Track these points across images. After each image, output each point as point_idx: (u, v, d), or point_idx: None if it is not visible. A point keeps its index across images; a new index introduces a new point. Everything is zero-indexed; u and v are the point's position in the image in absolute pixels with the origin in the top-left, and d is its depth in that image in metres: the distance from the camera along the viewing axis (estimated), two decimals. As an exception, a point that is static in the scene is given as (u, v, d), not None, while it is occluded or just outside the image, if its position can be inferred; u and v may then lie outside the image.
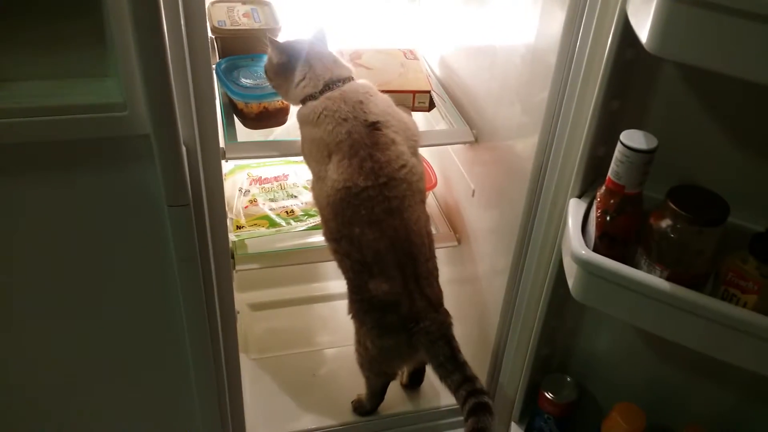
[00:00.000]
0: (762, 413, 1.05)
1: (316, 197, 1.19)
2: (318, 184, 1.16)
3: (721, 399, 1.09)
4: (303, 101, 1.17)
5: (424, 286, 1.14)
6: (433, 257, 1.18)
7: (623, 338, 1.16)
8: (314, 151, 1.15)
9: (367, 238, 1.10)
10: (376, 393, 1.37)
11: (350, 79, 1.18)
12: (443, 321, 1.16)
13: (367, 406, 1.38)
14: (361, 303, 1.17)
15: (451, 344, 1.15)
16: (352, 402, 1.39)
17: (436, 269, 1.19)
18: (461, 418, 1.39)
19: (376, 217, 1.10)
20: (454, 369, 1.14)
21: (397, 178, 1.11)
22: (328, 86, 1.15)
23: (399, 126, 1.16)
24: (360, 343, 1.24)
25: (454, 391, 1.14)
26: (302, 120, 1.17)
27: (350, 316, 1.22)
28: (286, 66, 1.17)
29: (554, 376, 1.24)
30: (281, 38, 1.31)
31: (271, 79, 1.21)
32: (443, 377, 1.15)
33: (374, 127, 1.11)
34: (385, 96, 1.20)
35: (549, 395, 1.20)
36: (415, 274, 1.13)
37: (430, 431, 1.42)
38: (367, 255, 1.11)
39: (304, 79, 1.16)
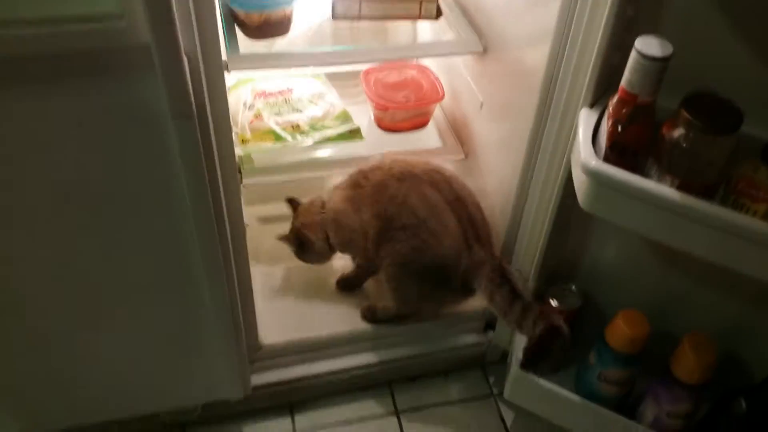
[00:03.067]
0: (765, 321, 1.08)
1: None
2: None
3: (724, 307, 1.11)
4: None
5: (482, 236, 1.25)
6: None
7: (629, 248, 1.17)
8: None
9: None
10: (400, 317, 1.41)
11: None
12: (501, 263, 1.22)
13: (381, 318, 1.42)
14: (413, 268, 1.25)
15: (506, 286, 1.18)
16: (361, 309, 1.42)
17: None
18: (474, 324, 1.45)
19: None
20: (513, 300, 1.16)
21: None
22: None
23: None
24: (400, 299, 1.34)
25: (517, 322, 1.16)
26: None
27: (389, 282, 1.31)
28: None
29: (560, 286, 1.26)
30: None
31: None
32: (505, 312, 1.18)
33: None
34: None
35: (554, 303, 1.23)
36: (474, 227, 1.25)
37: (440, 339, 1.47)
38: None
39: None
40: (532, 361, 1.16)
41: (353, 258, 1.43)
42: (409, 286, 1.29)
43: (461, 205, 1.26)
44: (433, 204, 1.23)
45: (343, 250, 1.38)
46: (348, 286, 1.47)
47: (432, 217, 1.23)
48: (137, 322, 1.15)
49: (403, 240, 1.24)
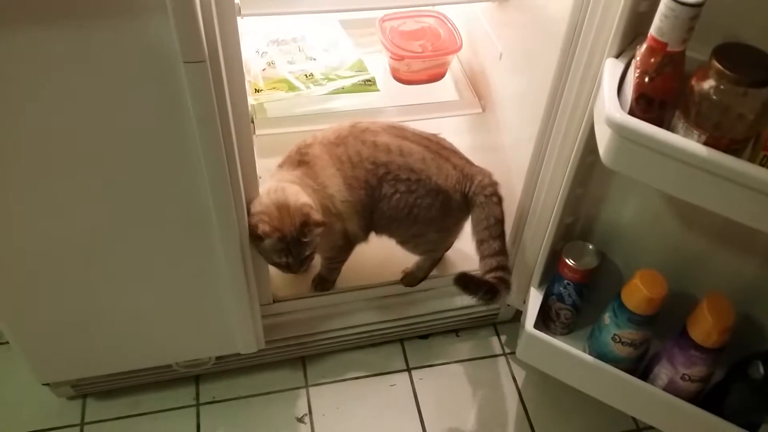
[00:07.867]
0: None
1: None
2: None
3: (744, 266, 1.09)
4: None
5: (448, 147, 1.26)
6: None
7: (649, 206, 1.14)
8: None
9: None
10: (435, 263, 1.41)
11: None
12: (491, 180, 1.23)
13: (423, 276, 1.41)
14: (415, 211, 1.23)
15: (500, 206, 1.23)
16: (400, 280, 1.41)
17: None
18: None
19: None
20: (497, 235, 1.21)
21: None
22: None
23: None
24: (424, 250, 1.35)
25: (485, 256, 1.21)
26: None
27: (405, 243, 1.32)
28: None
29: (576, 243, 1.23)
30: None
31: None
32: (483, 239, 1.21)
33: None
34: None
35: (570, 262, 1.20)
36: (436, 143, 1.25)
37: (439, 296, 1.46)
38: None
39: None
40: (463, 284, 1.17)
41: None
42: (423, 230, 1.27)
43: (402, 131, 1.24)
44: (385, 143, 1.20)
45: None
46: (323, 284, 1.39)
47: (393, 154, 1.20)
48: (152, 276, 1.15)
49: (391, 192, 1.21)
